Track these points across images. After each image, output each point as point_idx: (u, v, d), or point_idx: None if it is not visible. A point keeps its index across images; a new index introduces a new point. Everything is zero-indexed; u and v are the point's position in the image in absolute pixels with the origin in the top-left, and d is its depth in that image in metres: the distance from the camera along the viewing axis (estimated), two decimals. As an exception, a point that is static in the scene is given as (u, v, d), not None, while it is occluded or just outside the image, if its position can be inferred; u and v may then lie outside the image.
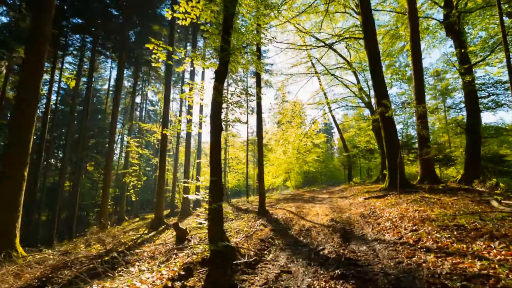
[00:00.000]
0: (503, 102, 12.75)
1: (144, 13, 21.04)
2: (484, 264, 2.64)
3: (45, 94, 19.80)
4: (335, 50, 21.81)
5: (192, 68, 14.73)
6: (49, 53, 23.95)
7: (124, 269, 4.38)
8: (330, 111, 24.11)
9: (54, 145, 27.99)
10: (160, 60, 4.37)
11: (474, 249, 3.10)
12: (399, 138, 10.69)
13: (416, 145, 23.39)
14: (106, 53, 26.73)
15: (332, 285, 2.82)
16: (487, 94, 12.94)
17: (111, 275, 4.32)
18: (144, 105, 36.85)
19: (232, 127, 13.43)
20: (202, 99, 4.89)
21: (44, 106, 28.57)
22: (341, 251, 4.05)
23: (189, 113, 15.90)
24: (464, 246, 3.24)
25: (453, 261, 2.83)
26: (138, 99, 39.60)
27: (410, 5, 11.55)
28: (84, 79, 28.80)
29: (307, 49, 21.81)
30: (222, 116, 4.91)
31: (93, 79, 25.37)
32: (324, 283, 2.90)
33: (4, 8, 17.70)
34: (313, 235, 5.54)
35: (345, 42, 21.20)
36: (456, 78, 13.10)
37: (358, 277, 2.94)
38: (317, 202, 11.66)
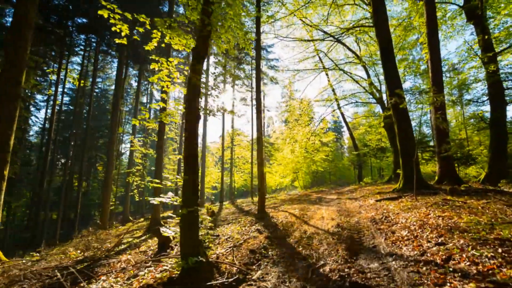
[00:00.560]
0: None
1: (147, 10, 20.53)
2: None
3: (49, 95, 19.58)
4: (343, 44, 20.75)
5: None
6: (55, 53, 23.88)
7: (85, 286, 3.67)
8: (339, 108, 23.05)
9: (63, 145, 27.91)
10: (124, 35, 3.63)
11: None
12: (414, 133, 9.68)
13: (431, 143, 22.10)
14: (111, 53, 26.44)
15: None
16: (513, 85, 11.71)
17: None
18: (148, 105, 36.57)
19: (214, 115, 12.50)
20: (173, 83, 4.08)
21: (50, 106, 28.70)
22: (346, 269, 3.19)
23: (163, 100, 14.44)
24: (517, 271, 2.34)
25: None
26: (145, 99, 39.48)
27: (426, -13, 10.50)
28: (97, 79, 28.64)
29: (314, 43, 20.81)
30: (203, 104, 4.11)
31: (96, 79, 25.11)
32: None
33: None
34: (314, 244, 4.69)
35: (354, 35, 20.15)
36: (478, 67, 11.88)
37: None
38: (323, 204, 10.75)
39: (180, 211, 3.22)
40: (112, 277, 3.82)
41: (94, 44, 25.25)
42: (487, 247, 2.91)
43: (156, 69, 3.81)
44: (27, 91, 23.82)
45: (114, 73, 37.83)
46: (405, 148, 9.13)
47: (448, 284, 2.36)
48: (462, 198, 6.08)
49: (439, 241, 3.41)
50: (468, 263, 2.66)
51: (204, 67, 23.84)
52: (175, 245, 5.32)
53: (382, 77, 21.09)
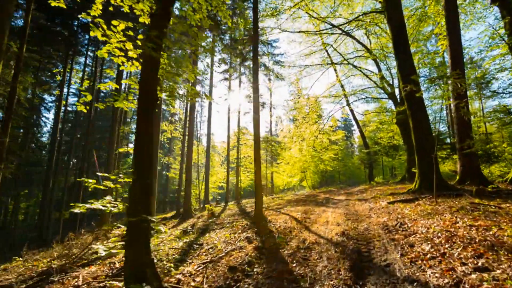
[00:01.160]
0: None
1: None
2: None
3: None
4: (353, 37, 19.61)
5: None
6: (62, 53, 23.71)
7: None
8: (348, 104, 21.90)
9: (70, 146, 27.80)
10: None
11: None
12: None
13: (448, 141, 20.70)
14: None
15: None
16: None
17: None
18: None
19: (182, 101, 11.67)
20: (130, 60, 3.25)
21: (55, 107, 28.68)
22: (349, 303, 2.32)
23: (118, 82, 13.09)
24: None
25: None
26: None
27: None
28: (104, 80, 28.40)
29: (321, 36, 19.73)
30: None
31: (97, 78, 24.78)
32: None
33: None
34: (312, 258, 3.82)
35: (364, 27, 19.00)
36: (504, 54, 10.66)
37: None
38: (330, 205, 9.81)
39: (126, 221, 2.42)
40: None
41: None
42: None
43: (99, 38, 3.03)
44: (29, 91, 23.75)
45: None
46: (421, 143, 8.09)
47: None
48: (494, 202, 5.06)
49: (479, 264, 2.48)
50: (535, 307, 1.75)
51: (209, 63, 23.16)
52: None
53: (394, 71, 19.91)
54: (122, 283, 2.53)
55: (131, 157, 31.91)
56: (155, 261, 3.39)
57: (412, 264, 2.97)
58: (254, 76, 8.04)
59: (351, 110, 22.91)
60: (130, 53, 3.18)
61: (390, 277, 2.78)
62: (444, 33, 15.50)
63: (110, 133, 16.54)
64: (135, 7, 3.08)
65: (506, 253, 2.58)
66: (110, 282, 2.87)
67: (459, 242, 3.11)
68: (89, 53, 26.58)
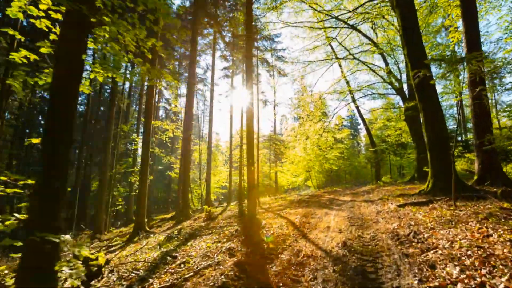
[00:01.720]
0: None
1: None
2: None
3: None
4: (358, 30, 18.68)
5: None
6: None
7: None
8: (354, 101, 20.92)
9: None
10: None
11: None
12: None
13: (459, 139, 19.59)
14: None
15: None
16: None
17: None
18: (155, 103, 35.74)
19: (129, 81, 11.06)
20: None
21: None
22: None
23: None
24: None
25: None
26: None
27: None
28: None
29: (325, 30, 18.85)
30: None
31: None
32: None
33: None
34: (304, 280, 3.04)
35: (370, 21, 18.08)
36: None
37: None
38: (334, 207, 9.00)
39: (26, 239, 1.68)
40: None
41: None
42: None
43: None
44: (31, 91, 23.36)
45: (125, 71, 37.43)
46: (434, 138, 7.21)
47: None
48: (529, 207, 4.20)
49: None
50: None
51: (210, 61, 22.53)
52: (112, 269, 3.81)
53: (402, 65, 18.97)
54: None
55: (132, 156, 31.58)
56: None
57: (437, 296, 2.16)
58: (248, 61, 7.31)
59: (357, 107, 21.96)
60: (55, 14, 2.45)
61: (407, 317, 1.98)
62: (455, 25, 14.51)
63: (106, 132, 16.00)
64: None
65: None
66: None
67: (500, 267, 2.29)
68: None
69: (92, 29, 2.48)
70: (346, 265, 3.26)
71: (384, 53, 18.67)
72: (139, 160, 22.20)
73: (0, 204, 18.52)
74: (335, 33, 19.36)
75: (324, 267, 3.33)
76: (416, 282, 2.48)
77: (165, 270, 3.53)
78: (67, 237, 1.78)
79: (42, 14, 2.37)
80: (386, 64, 18.87)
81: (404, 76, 18.59)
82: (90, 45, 2.73)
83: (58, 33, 2.44)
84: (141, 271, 3.61)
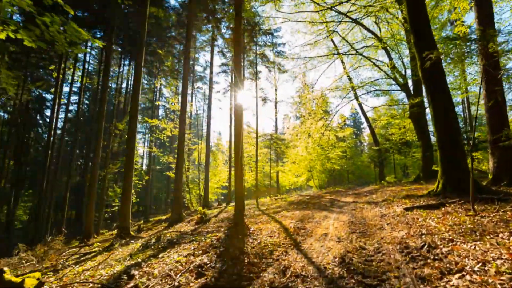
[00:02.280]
0: None
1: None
2: None
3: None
4: (361, 24, 17.96)
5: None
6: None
7: None
8: (357, 98, 20.13)
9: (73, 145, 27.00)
10: None
11: None
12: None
13: (468, 135, 18.74)
14: (118, 49, 25.05)
15: None
16: None
17: None
18: (153, 101, 35.31)
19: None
20: None
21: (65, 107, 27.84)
22: None
23: None
24: None
25: None
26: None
27: None
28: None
29: (327, 25, 18.11)
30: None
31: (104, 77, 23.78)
32: None
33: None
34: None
35: (374, 15, 17.33)
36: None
37: None
38: (334, 210, 8.31)
39: None
40: None
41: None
42: None
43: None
44: (33, 90, 22.87)
45: (122, 70, 36.80)
46: (445, 132, 6.48)
47: None
48: None
49: None
50: None
51: (208, 58, 22.04)
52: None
53: (406, 60, 18.18)
54: None
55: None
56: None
57: None
58: (236, 46, 6.64)
59: (360, 104, 21.21)
60: None
61: None
62: (462, 19, 13.72)
63: (97, 131, 15.37)
64: None
65: None
66: None
67: None
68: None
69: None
70: (344, 289, 2.56)
71: (388, 47, 17.92)
72: (138, 159, 21.57)
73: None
74: (337, 28, 18.63)
75: (316, 289, 2.64)
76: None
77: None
78: None
79: None
80: (390, 58, 18.10)
81: (408, 71, 17.83)
82: None
83: None
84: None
